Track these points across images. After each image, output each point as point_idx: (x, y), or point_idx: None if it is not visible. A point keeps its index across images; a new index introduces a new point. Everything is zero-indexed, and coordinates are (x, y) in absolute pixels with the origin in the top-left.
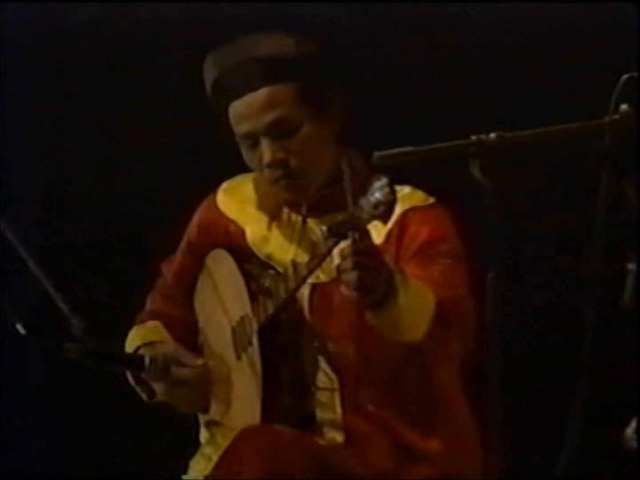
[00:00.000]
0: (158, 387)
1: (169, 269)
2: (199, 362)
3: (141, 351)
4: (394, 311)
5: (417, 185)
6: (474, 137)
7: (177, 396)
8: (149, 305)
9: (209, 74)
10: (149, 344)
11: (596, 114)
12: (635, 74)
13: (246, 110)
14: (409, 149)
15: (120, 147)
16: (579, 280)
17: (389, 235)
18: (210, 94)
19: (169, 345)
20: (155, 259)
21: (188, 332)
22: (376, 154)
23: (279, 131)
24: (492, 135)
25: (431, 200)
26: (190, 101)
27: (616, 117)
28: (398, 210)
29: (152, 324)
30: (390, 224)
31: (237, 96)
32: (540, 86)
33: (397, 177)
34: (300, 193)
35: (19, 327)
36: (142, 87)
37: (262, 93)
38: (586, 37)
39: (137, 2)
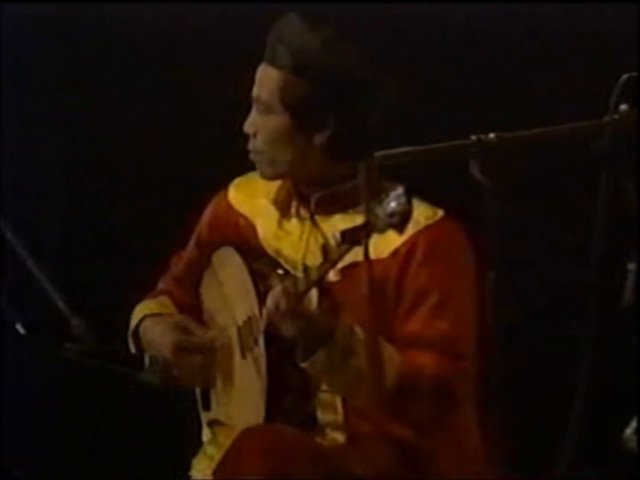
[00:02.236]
0: (165, 354)
1: (177, 263)
2: (210, 333)
3: (149, 319)
4: (323, 371)
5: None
6: (474, 137)
7: (184, 363)
8: (160, 285)
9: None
10: (157, 315)
11: (596, 114)
12: (635, 74)
13: (256, 77)
14: (409, 149)
15: (122, 145)
16: (579, 280)
17: (395, 252)
18: None
19: (179, 316)
20: (157, 259)
21: (194, 315)
22: (376, 154)
23: (258, 107)
24: (492, 135)
25: (439, 214)
26: (196, 104)
27: (616, 117)
28: (408, 229)
29: (161, 298)
30: (399, 242)
31: (264, 60)
32: (540, 86)
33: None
34: (263, 169)
35: (19, 327)
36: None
37: (266, 69)
38: (586, 37)
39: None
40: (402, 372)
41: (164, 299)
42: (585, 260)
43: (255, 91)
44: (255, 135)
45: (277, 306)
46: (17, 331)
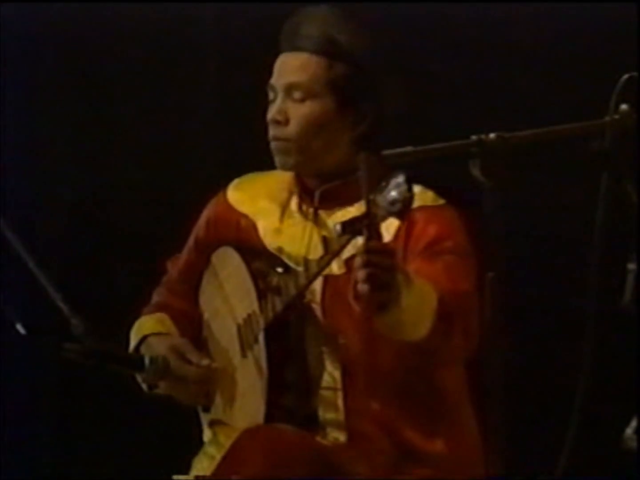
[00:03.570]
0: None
1: (174, 266)
2: (205, 362)
3: (148, 340)
4: (398, 312)
5: (426, 184)
6: (474, 137)
7: (179, 391)
8: (155, 298)
9: (286, 25)
10: (156, 334)
11: (596, 114)
12: (635, 74)
13: (279, 66)
14: (409, 149)
15: (122, 144)
16: (579, 280)
17: (397, 232)
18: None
19: (178, 339)
20: (157, 259)
21: (193, 326)
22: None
23: (293, 95)
24: (492, 135)
25: (441, 201)
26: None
27: (616, 117)
28: None
29: (159, 315)
30: (399, 222)
31: (282, 51)
32: (541, 86)
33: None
34: (287, 159)
35: (19, 327)
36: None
37: (298, 55)
38: (586, 37)
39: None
40: (437, 293)
41: (162, 316)
42: (585, 260)
43: (288, 78)
44: (286, 122)
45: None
46: (17, 331)
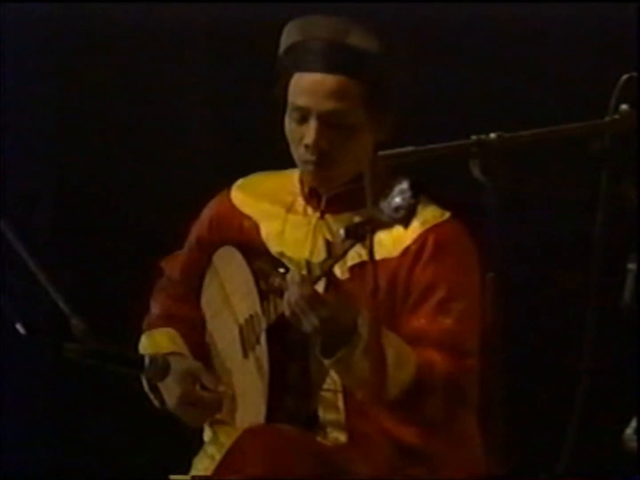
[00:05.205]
0: (170, 400)
1: (173, 267)
2: (221, 388)
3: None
4: (348, 367)
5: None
6: (474, 137)
7: (187, 413)
8: (156, 309)
9: (291, 37)
10: (170, 354)
11: (596, 114)
12: (635, 74)
13: (312, 87)
14: (409, 149)
15: (120, 144)
16: (579, 281)
17: (406, 250)
18: (281, 53)
19: (193, 362)
20: (156, 259)
21: (198, 331)
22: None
23: (332, 121)
24: (492, 135)
25: (446, 215)
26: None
27: (616, 117)
28: (417, 228)
29: (165, 330)
30: (409, 241)
31: (311, 69)
32: (540, 86)
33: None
34: (323, 183)
35: (19, 327)
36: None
37: (336, 79)
38: (586, 37)
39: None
40: (419, 367)
41: (172, 333)
42: (585, 260)
43: (328, 104)
44: (329, 151)
45: (298, 297)
46: (17, 331)
